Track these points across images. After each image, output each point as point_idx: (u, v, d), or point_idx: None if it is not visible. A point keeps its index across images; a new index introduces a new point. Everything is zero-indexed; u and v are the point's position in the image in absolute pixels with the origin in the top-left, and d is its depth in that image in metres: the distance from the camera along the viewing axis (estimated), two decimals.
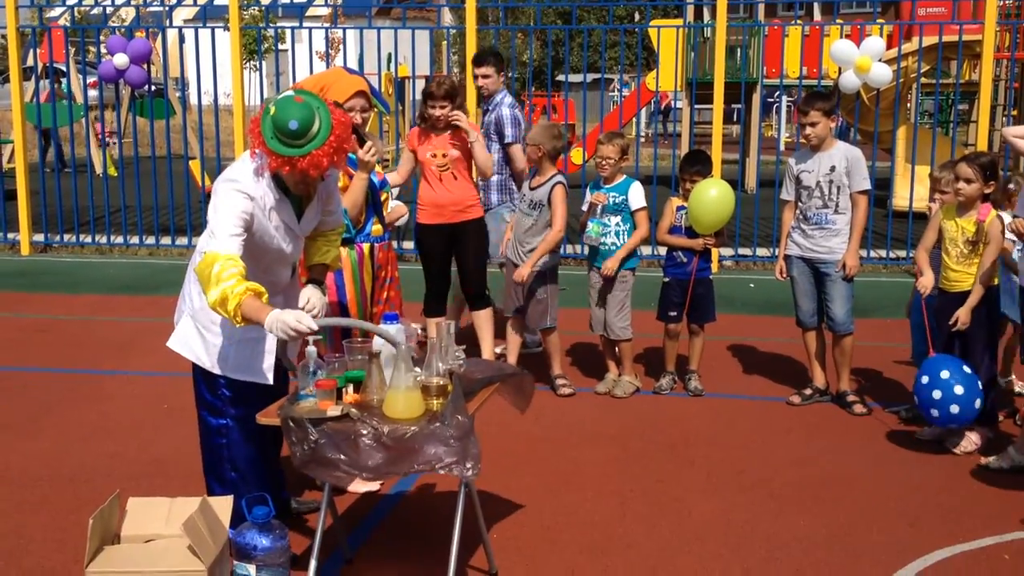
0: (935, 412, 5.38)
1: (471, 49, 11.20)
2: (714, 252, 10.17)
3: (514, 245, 6.57)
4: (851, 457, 5.62)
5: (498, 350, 6.97)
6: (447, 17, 23.95)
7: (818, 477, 5.32)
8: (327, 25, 12.99)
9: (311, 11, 15.15)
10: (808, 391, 6.54)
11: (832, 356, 6.49)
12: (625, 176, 6.56)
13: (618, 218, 6.51)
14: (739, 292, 9.92)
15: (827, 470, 5.42)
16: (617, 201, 6.50)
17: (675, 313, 6.63)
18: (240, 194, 3.79)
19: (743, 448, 5.76)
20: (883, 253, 11.29)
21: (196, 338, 4.08)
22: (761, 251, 11.36)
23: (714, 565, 4.32)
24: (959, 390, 5.29)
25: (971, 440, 5.62)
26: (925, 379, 5.42)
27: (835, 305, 6.33)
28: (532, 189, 6.53)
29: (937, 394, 5.33)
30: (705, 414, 6.35)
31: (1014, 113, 13.72)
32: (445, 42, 29.29)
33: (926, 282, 5.67)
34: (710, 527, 4.69)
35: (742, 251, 11.46)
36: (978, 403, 5.33)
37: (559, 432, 5.97)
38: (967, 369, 5.37)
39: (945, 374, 5.34)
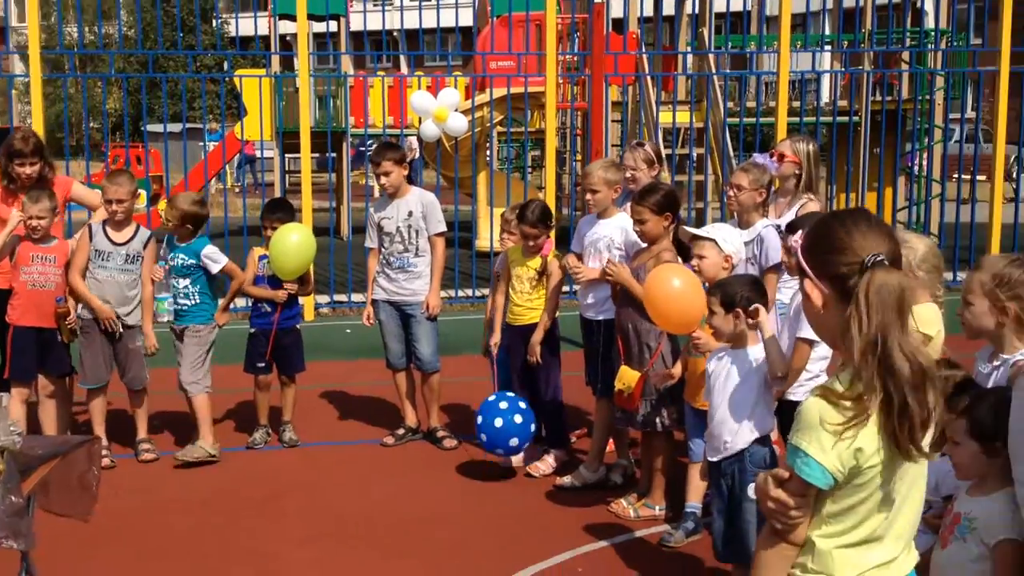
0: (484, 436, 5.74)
1: (36, 99, 10.45)
2: (308, 300, 10.20)
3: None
4: (444, 492, 5.83)
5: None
6: (18, 66, 22.24)
7: (415, 516, 5.45)
8: None
9: None
10: (401, 431, 6.70)
11: (422, 394, 6.70)
12: (200, 235, 6.35)
13: (187, 280, 6.23)
14: (335, 338, 9.98)
15: (422, 508, 5.57)
16: (187, 264, 6.23)
17: (263, 364, 6.53)
18: None
19: (341, 495, 5.78)
20: (470, 292, 11.87)
21: None
22: (356, 296, 11.50)
23: None
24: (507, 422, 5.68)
25: (547, 463, 6.01)
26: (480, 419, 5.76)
27: (421, 345, 6.54)
28: (120, 244, 6.12)
29: (499, 422, 5.67)
30: (301, 465, 6.30)
31: (578, 159, 14.98)
32: (13, 91, 27.16)
33: (494, 340, 6.21)
34: None
35: (338, 297, 11.56)
36: (515, 442, 5.70)
37: (146, 501, 5.66)
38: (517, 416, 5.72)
39: (504, 404, 5.71)
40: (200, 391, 6.23)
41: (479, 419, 5.75)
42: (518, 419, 5.68)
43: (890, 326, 2.18)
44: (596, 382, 5.80)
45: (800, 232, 4.18)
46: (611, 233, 5.65)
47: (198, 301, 6.24)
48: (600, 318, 5.71)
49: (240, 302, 7.41)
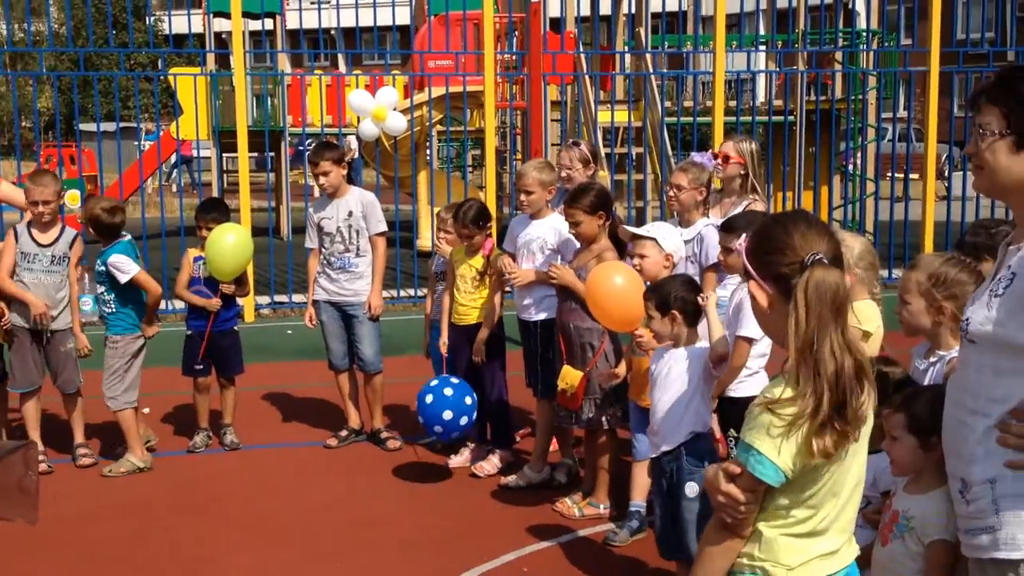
0: (438, 428, 5.66)
1: None
2: (249, 301, 10.09)
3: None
4: (388, 493, 5.80)
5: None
6: None
7: (358, 518, 5.41)
8: None
9: None
10: (344, 432, 6.65)
11: (364, 395, 6.66)
12: (119, 242, 6.08)
13: (103, 288, 6.03)
14: (277, 340, 9.89)
15: (366, 510, 5.54)
16: (100, 271, 6.03)
17: (201, 366, 6.43)
18: None
19: (283, 498, 5.72)
20: (412, 292, 11.83)
21: None
22: (297, 297, 11.41)
23: None
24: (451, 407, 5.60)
25: (492, 463, 6.02)
26: (429, 398, 5.63)
27: (364, 345, 6.51)
28: (45, 246, 6.02)
29: (448, 414, 5.58)
30: (243, 468, 6.23)
31: (518, 158, 15.00)
32: None
33: (441, 342, 6.10)
34: None
35: (279, 298, 11.46)
36: (464, 421, 5.62)
37: (84, 506, 5.56)
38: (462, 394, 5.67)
39: (448, 391, 5.63)
40: (119, 407, 6.01)
41: (428, 399, 5.65)
42: (468, 401, 5.65)
43: (826, 324, 2.23)
44: (536, 383, 5.81)
45: (735, 231, 4.26)
46: (544, 234, 5.67)
47: (114, 309, 6.04)
48: (537, 319, 5.71)
49: (179, 303, 7.30)
